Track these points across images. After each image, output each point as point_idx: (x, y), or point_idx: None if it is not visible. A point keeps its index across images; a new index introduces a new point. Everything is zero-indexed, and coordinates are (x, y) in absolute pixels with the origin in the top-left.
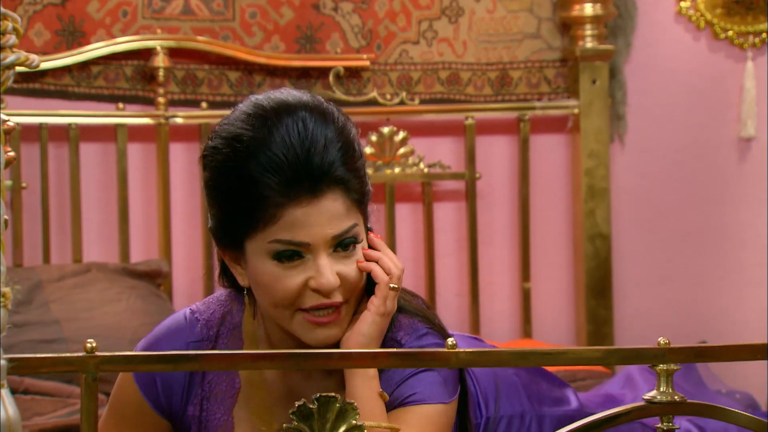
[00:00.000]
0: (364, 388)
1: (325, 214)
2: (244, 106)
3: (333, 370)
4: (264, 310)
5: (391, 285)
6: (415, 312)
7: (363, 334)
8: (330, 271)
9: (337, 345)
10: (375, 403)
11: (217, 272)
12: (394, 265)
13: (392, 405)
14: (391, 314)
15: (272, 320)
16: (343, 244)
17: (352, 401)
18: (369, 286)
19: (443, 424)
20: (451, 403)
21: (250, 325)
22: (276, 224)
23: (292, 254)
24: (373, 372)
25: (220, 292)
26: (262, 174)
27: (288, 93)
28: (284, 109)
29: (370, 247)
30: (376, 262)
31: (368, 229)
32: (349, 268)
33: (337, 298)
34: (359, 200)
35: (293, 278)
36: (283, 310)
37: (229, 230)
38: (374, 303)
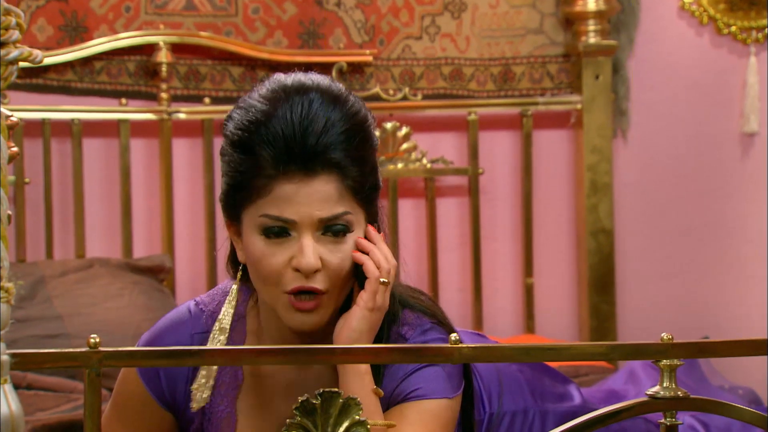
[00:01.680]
0: (357, 384)
1: (316, 195)
2: (268, 82)
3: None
4: (256, 287)
5: (381, 279)
6: (421, 308)
7: (353, 329)
8: (312, 251)
9: (322, 333)
10: (368, 400)
11: (222, 266)
12: (386, 259)
13: (396, 400)
14: (382, 310)
15: (267, 307)
16: (332, 230)
17: (356, 397)
18: (362, 280)
19: (447, 418)
20: (455, 398)
21: (233, 296)
22: (267, 197)
23: (279, 231)
24: (365, 368)
25: (225, 283)
26: (260, 145)
27: (309, 76)
28: (297, 88)
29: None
30: (367, 254)
31: (371, 223)
32: (333, 255)
33: (318, 283)
34: (356, 189)
35: (277, 256)
36: (270, 289)
37: (230, 199)
38: (363, 298)
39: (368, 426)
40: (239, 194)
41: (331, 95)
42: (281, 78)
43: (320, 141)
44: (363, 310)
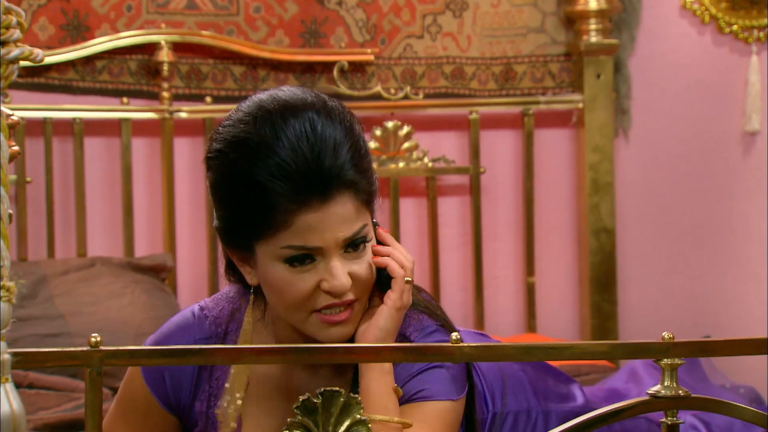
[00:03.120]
0: (379, 382)
1: (336, 218)
2: (247, 107)
3: (341, 368)
4: (274, 310)
5: (406, 278)
6: (423, 306)
7: (380, 329)
8: (343, 273)
9: (351, 340)
10: (389, 398)
11: (223, 266)
12: (406, 258)
13: (401, 401)
14: (406, 308)
15: (282, 321)
16: (354, 245)
17: (356, 395)
18: (379, 280)
19: (451, 420)
20: (460, 399)
21: (249, 324)
22: (288, 230)
23: (304, 258)
24: (388, 367)
25: (229, 288)
26: (271, 180)
27: (290, 92)
28: (290, 111)
29: (379, 242)
30: (388, 257)
31: (375, 224)
32: (360, 267)
33: (349, 296)
34: (368, 201)
35: (305, 281)
36: (296, 313)
37: (237, 233)
38: (391, 297)
39: (369, 425)
40: (249, 229)
41: (325, 110)
42: (264, 101)
43: (334, 164)
44: (391, 309)
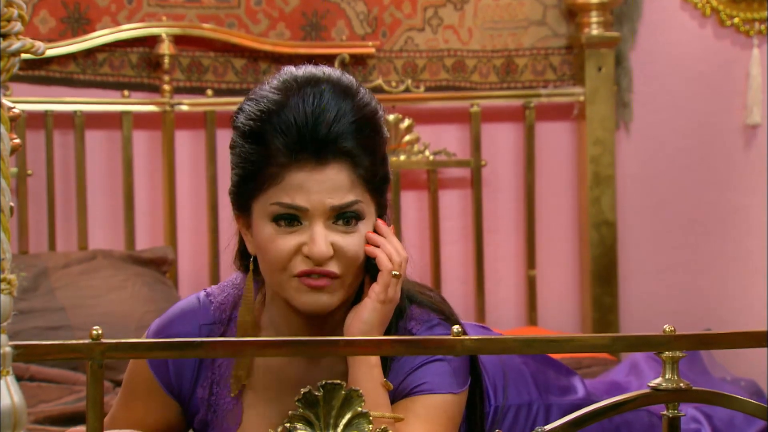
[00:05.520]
0: (366, 376)
1: (328, 183)
2: (280, 74)
3: (342, 358)
4: (267, 281)
5: (393, 272)
6: (428, 304)
7: (364, 321)
8: (323, 240)
9: (333, 327)
10: (377, 392)
11: (227, 257)
12: (397, 252)
13: (401, 394)
14: (394, 302)
15: (276, 301)
16: (344, 218)
17: (358, 389)
18: (374, 273)
19: (452, 413)
20: (461, 393)
21: (251, 292)
22: (278, 185)
23: (290, 218)
24: (375, 360)
25: (235, 275)
26: (273, 134)
27: (322, 68)
28: (309, 80)
29: (376, 232)
30: (378, 247)
31: (380, 216)
32: (346, 242)
33: (331, 267)
34: (368, 179)
35: (287, 242)
36: (279, 275)
37: (241, 191)
38: (375, 290)
39: (370, 418)
40: (250, 184)
41: (341, 87)
42: (292, 70)
43: (332, 130)
44: (374, 302)
